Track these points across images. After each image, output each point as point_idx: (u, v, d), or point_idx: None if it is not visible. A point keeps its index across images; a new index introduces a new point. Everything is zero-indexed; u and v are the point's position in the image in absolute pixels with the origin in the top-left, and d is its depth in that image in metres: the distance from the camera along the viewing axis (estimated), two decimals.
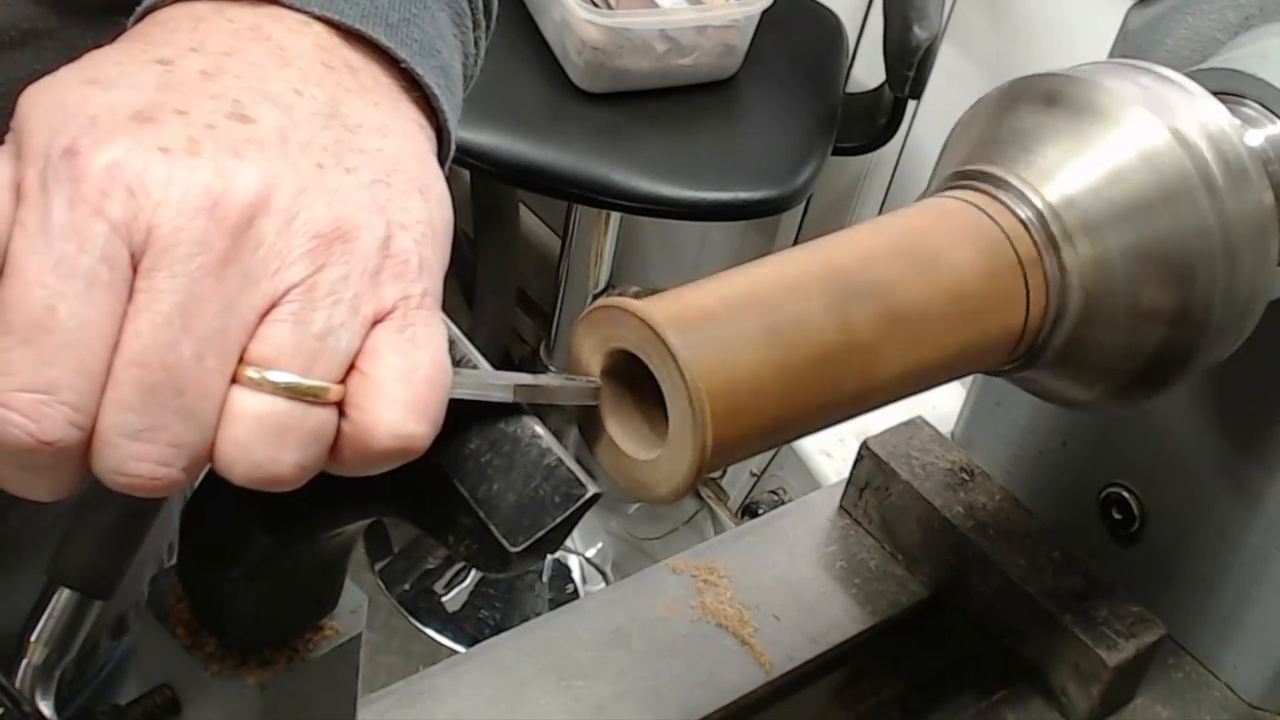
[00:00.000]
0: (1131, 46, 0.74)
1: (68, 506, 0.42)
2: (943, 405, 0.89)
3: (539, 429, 0.44)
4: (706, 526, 2.21)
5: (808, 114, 1.74)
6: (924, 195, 0.60)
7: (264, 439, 0.38)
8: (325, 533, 0.47)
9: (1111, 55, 0.75)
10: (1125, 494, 0.83)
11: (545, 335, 2.22)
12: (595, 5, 1.65)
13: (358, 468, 0.40)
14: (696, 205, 1.62)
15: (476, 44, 0.53)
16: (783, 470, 1.91)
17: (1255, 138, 0.63)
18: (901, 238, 0.55)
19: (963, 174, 0.58)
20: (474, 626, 2.08)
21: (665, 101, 1.70)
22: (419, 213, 0.41)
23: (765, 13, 1.68)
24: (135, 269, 0.37)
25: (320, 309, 0.38)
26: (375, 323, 0.39)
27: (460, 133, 0.48)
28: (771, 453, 1.91)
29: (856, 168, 2.00)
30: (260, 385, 0.38)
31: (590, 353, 0.48)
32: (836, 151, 1.75)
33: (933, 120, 1.85)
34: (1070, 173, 0.56)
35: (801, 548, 0.88)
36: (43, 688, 0.46)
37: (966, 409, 0.90)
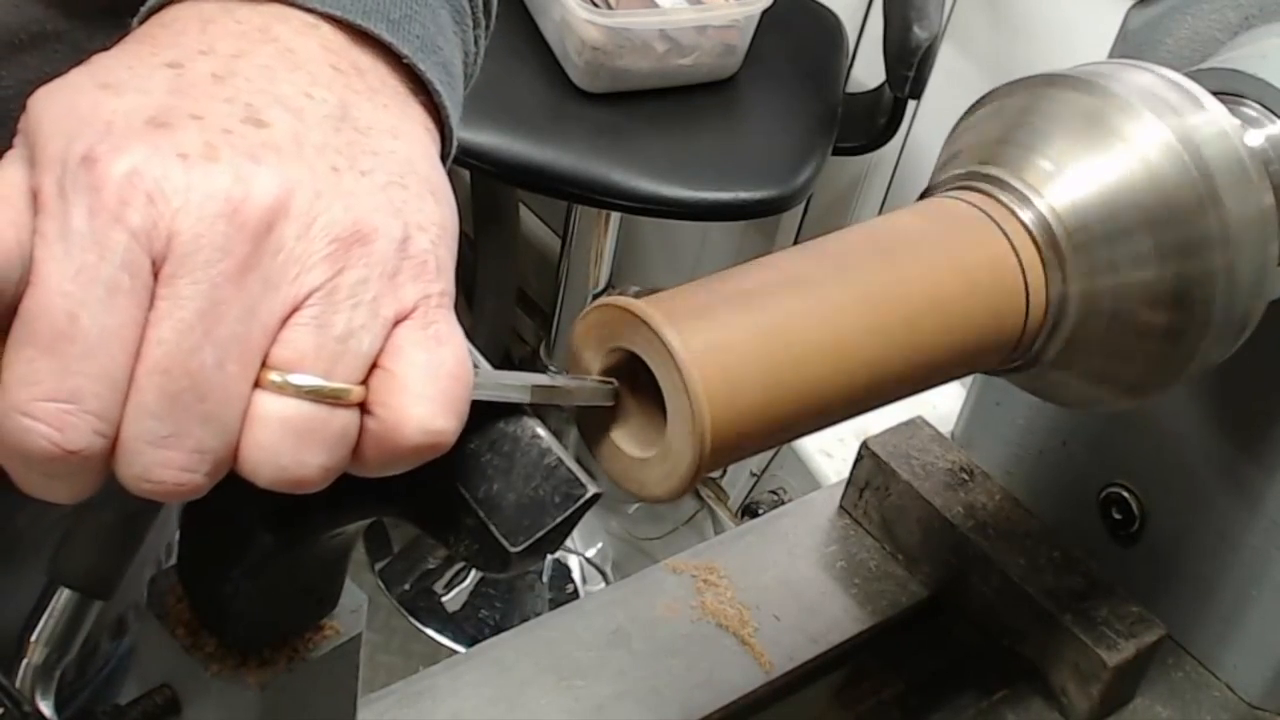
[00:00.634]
0: (1131, 46, 0.74)
1: (72, 508, 0.42)
2: (943, 405, 0.89)
3: (539, 429, 0.44)
4: (706, 526, 2.21)
5: (808, 114, 1.74)
6: (924, 195, 0.60)
7: (289, 442, 0.38)
8: (326, 533, 0.47)
9: (1111, 55, 0.75)
10: (1125, 494, 0.83)
11: (545, 335, 2.22)
12: (595, 5, 1.65)
13: (382, 467, 0.40)
14: (696, 205, 1.62)
15: (476, 42, 0.53)
16: (783, 470, 1.91)
17: (1255, 138, 0.63)
18: (901, 238, 0.55)
19: (963, 175, 0.58)
20: (474, 626, 2.08)
21: (665, 101, 1.70)
22: (433, 214, 0.41)
23: (765, 13, 1.68)
24: (156, 276, 0.37)
25: (341, 312, 0.38)
26: (396, 323, 0.39)
27: (460, 133, 0.48)
28: (771, 453, 1.91)
29: (856, 168, 1.99)
30: (283, 389, 0.38)
31: (590, 352, 0.48)
32: (836, 151, 1.74)
33: (933, 120, 1.85)
34: (1071, 174, 0.56)
35: (801, 548, 0.88)
36: (43, 688, 0.46)
37: (966, 409, 0.90)
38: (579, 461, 0.44)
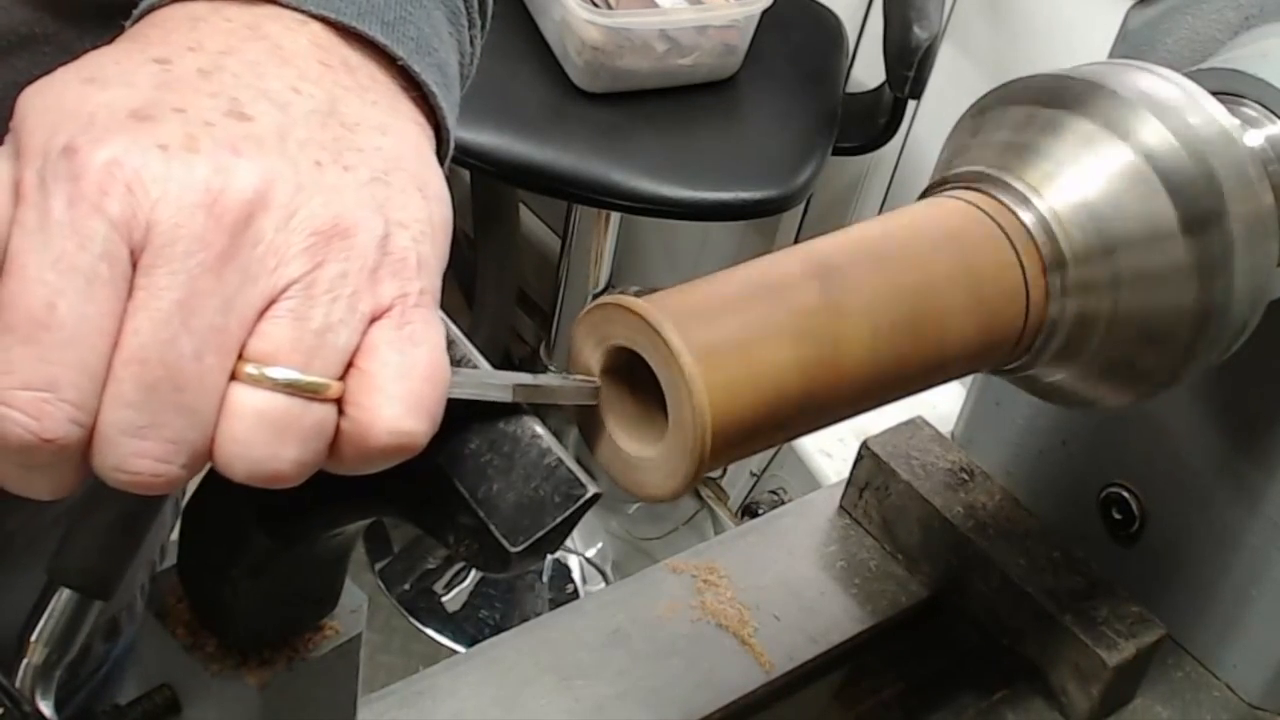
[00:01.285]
0: (1131, 46, 0.74)
1: (65, 508, 0.42)
2: (943, 405, 0.89)
3: (539, 429, 0.44)
4: (706, 526, 2.21)
5: (808, 114, 1.74)
6: (924, 195, 0.60)
7: (264, 435, 0.38)
8: (325, 533, 0.47)
9: (1111, 55, 0.75)
10: (1125, 494, 0.83)
11: (545, 335, 2.22)
12: (595, 5, 1.65)
13: (356, 465, 0.40)
14: (696, 205, 1.62)
15: (472, 43, 0.53)
16: (783, 470, 1.91)
17: (1255, 138, 0.63)
18: (901, 238, 0.55)
19: (964, 175, 0.58)
20: (474, 626, 2.08)
21: (665, 101, 1.70)
22: (418, 211, 0.41)
23: (765, 13, 1.68)
24: (135, 266, 0.37)
25: (319, 305, 0.38)
26: (373, 320, 0.39)
27: (460, 133, 0.48)
28: (771, 453, 1.91)
29: (856, 168, 2.00)
30: (259, 381, 0.38)
31: (590, 351, 0.48)
32: (836, 151, 1.74)
33: (933, 120, 1.85)
34: (1071, 174, 0.56)
35: (801, 548, 0.88)
36: (43, 688, 0.46)
37: (966, 409, 0.90)
38: (579, 461, 0.44)
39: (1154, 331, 0.58)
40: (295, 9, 0.43)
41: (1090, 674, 0.79)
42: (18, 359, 0.36)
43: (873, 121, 1.76)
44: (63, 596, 0.46)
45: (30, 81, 0.39)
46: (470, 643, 2.04)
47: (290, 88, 0.41)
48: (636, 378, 0.48)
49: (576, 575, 2.17)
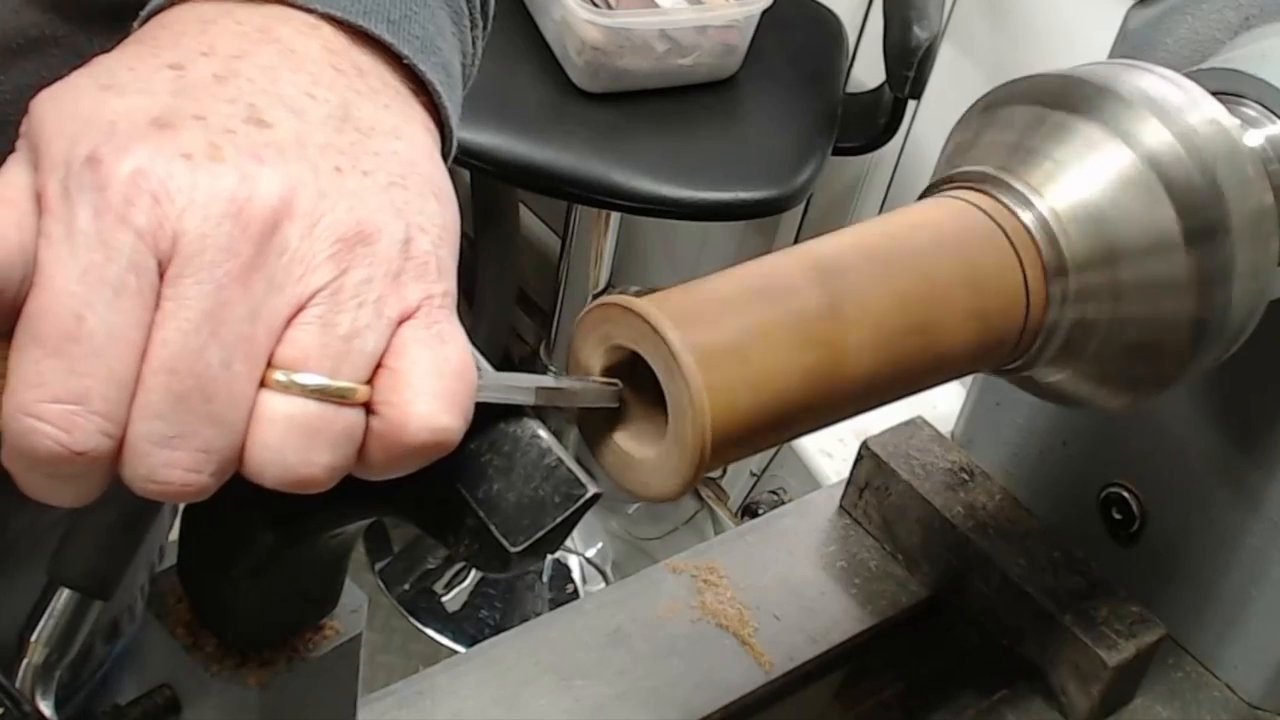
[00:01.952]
0: (1131, 46, 0.74)
1: (67, 510, 0.42)
2: (943, 405, 0.89)
3: (539, 429, 0.44)
4: (706, 526, 2.21)
5: (808, 114, 1.74)
6: (924, 195, 0.60)
7: (294, 442, 0.38)
8: (326, 532, 0.47)
9: (1111, 55, 0.75)
10: (1125, 494, 0.83)
11: (545, 335, 2.22)
12: (595, 5, 1.65)
13: (387, 468, 0.40)
14: (696, 205, 1.62)
15: (474, 43, 0.53)
16: (783, 470, 1.91)
17: (1255, 138, 0.63)
18: (902, 238, 0.55)
19: (964, 175, 0.58)
20: (474, 626, 2.08)
21: (665, 101, 1.70)
22: (435, 215, 0.41)
23: (765, 13, 1.68)
24: (162, 276, 0.37)
25: (345, 311, 0.38)
26: (400, 323, 0.39)
27: (460, 133, 0.48)
28: (771, 453, 1.91)
29: (856, 168, 1.99)
30: (289, 388, 0.38)
31: (591, 351, 0.48)
32: (836, 151, 1.74)
33: (933, 120, 1.85)
34: (1071, 174, 0.56)
35: (801, 548, 0.88)
36: (43, 688, 0.46)
37: (966, 409, 0.90)
38: (579, 461, 0.44)
39: (1153, 333, 0.58)
40: (303, 9, 0.43)
41: (1090, 674, 0.79)
42: (47, 371, 0.36)
43: (873, 121, 1.76)
44: (63, 596, 0.46)
45: (39, 84, 0.39)
46: (470, 643, 2.04)
47: (305, 93, 0.41)
48: (637, 378, 0.48)
49: (576, 575, 2.17)
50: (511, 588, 2.13)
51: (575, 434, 0.50)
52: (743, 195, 1.62)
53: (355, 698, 0.54)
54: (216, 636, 0.49)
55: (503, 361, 2.23)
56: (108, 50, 0.41)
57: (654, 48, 1.66)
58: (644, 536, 2.23)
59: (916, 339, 0.53)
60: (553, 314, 2.16)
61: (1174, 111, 0.57)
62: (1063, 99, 0.58)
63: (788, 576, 0.86)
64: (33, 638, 0.46)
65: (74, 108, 0.38)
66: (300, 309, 0.38)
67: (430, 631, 2.07)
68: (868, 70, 1.86)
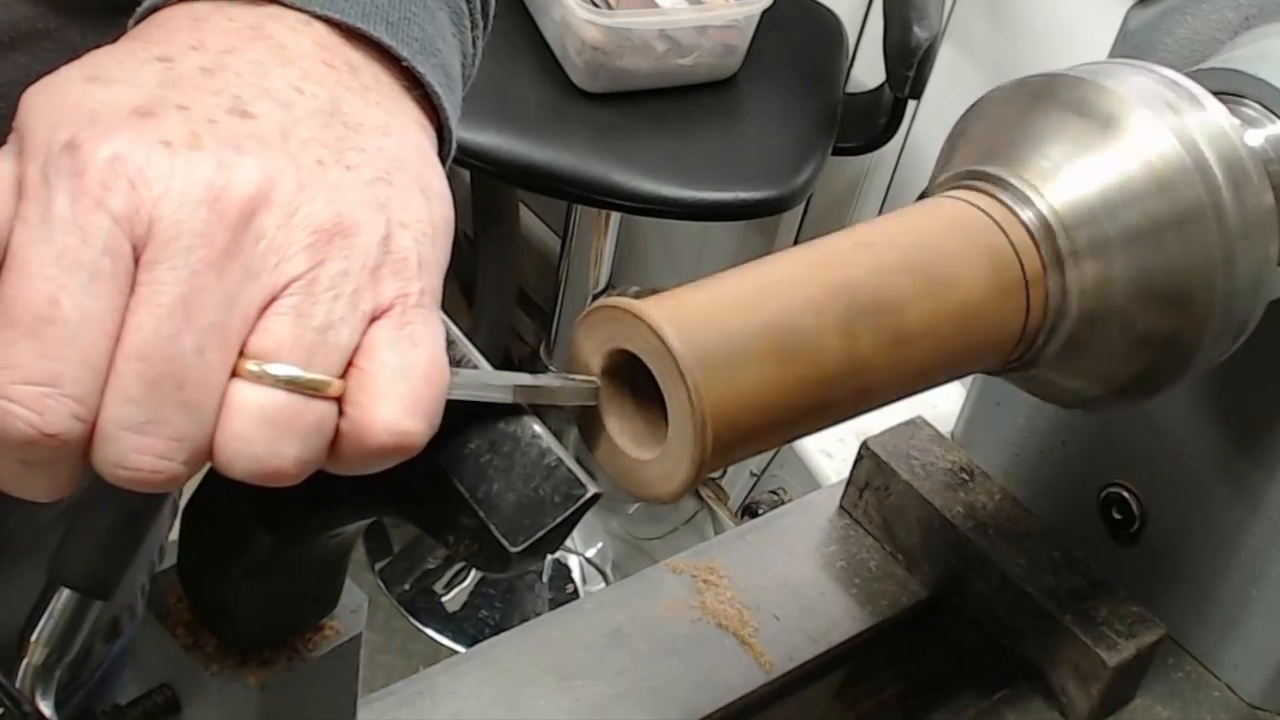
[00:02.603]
0: (1131, 46, 0.74)
1: (64, 508, 0.42)
2: (943, 405, 0.89)
3: (539, 429, 0.44)
4: (706, 526, 2.21)
5: (808, 114, 1.74)
6: (924, 195, 0.60)
7: (264, 432, 0.38)
8: (326, 532, 0.47)
9: (1111, 55, 0.75)
10: (1125, 494, 0.83)
11: (545, 335, 2.22)
12: (595, 5, 1.65)
13: (356, 465, 0.40)
14: (696, 205, 1.62)
15: (474, 44, 0.53)
16: (783, 470, 1.91)
17: (1255, 138, 0.63)
18: (902, 238, 0.55)
19: (964, 174, 0.58)
20: (474, 626, 2.08)
21: (665, 101, 1.70)
22: (420, 211, 0.41)
23: (765, 13, 1.68)
24: (137, 262, 0.37)
25: (320, 303, 0.38)
26: (374, 319, 0.39)
27: (460, 133, 0.48)
28: (771, 453, 1.91)
29: (856, 168, 1.99)
30: (261, 378, 0.38)
31: (590, 353, 0.48)
32: (836, 151, 1.74)
33: (933, 120, 1.85)
34: (1071, 173, 0.56)
35: (801, 548, 0.88)
36: (43, 687, 0.46)
37: (966, 409, 0.90)
38: (579, 461, 0.44)
39: (1153, 332, 0.58)
40: (299, 9, 0.43)
41: (1090, 674, 0.79)
42: (20, 354, 0.36)
43: (873, 121, 1.76)
44: (63, 596, 0.46)
45: (31, 78, 0.39)
46: (470, 643, 2.04)
47: (293, 87, 0.41)
48: (637, 379, 0.48)
49: (576, 575, 2.17)
50: (511, 588, 2.13)
51: (575, 434, 0.50)
52: (743, 195, 1.62)
53: (355, 698, 0.54)
54: (216, 636, 0.49)
55: (503, 361, 2.23)
56: (101, 44, 0.41)
57: (654, 48, 1.66)
58: (644, 536, 2.23)
59: (917, 341, 0.53)
60: (553, 314, 2.16)
61: (1174, 111, 0.57)
62: (1062, 98, 0.58)
63: (788, 576, 0.86)
64: (33, 637, 0.46)
65: (59, 98, 0.38)
66: (275, 298, 0.38)
67: (430, 631, 2.07)
68: (868, 70, 1.86)
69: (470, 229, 2.08)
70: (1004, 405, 0.87)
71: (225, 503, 0.47)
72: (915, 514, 0.86)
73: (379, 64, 0.44)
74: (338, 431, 0.39)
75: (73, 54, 0.40)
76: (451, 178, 0.44)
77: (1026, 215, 0.56)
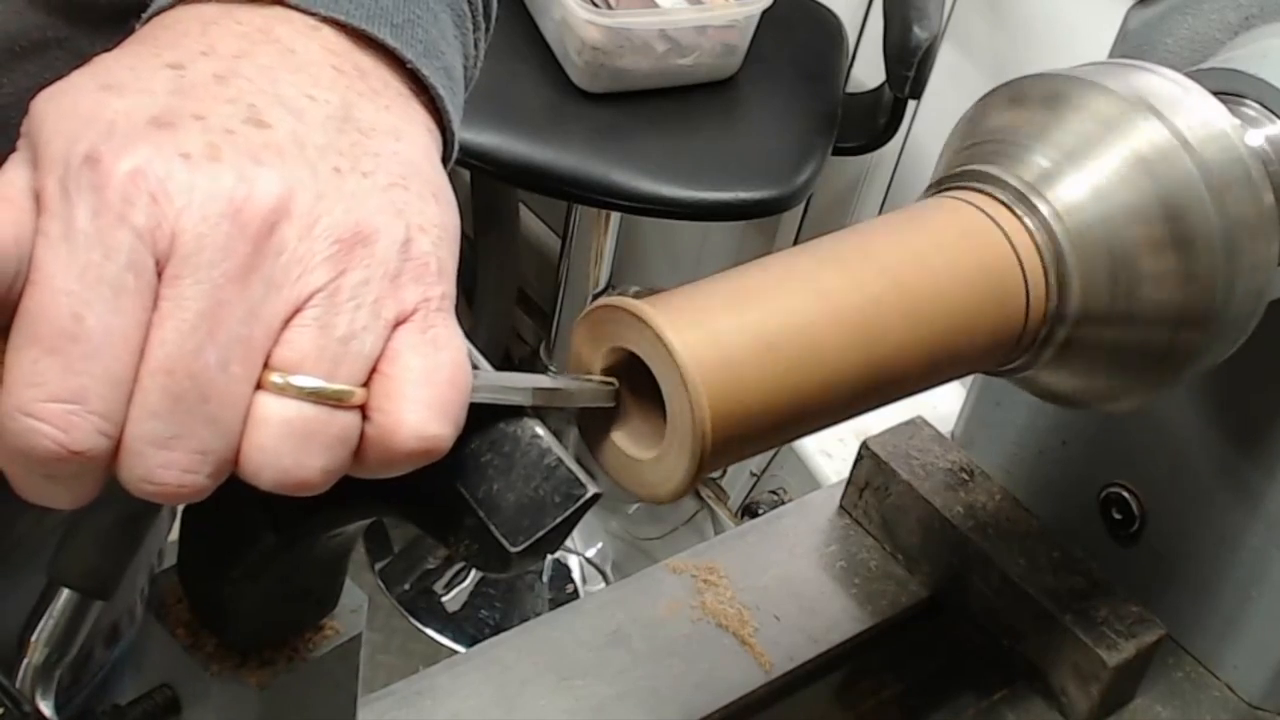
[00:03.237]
0: (1131, 46, 0.74)
1: (69, 513, 0.42)
2: (943, 405, 0.89)
3: (539, 429, 0.44)
4: (706, 526, 2.21)
5: (808, 114, 1.74)
6: (925, 194, 0.60)
7: (290, 444, 0.38)
8: (326, 533, 0.47)
9: (1111, 55, 0.75)
10: (1125, 494, 0.83)
11: (545, 335, 2.22)
12: (595, 5, 1.65)
13: (380, 470, 0.40)
14: (696, 205, 1.62)
15: (476, 45, 0.53)
16: (783, 470, 1.91)
17: (1255, 138, 0.63)
18: (902, 238, 0.55)
19: (964, 174, 0.58)
20: (474, 626, 2.08)
21: (665, 101, 1.70)
22: (435, 216, 0.41)
23: (765, 13, 1.68)
24: (160, 276, 0.37)
25: (343, 313, 0.38)
26: (396, 325, 0.39)
27: (461, 133, 0.48)
28: (771, 453, 1.91)
29: (856, 168, 1.99)
30: (285, 390, 0.38)
31: (590, 352, 0.48)
32: (836, 151, 1.74)
33: (933, 120, 1.85)
34: (1071, 174, 0.56)
35: (801, 548, 0.88)
36: (43, 688, 0.46)
37: (966, 409, 0.90)
38: (579, 461, 0.44)
39: (1154, 333, 0.58)
40: (306, 12, 0.43)
41: (1090, 674, 0.79)
42: (45, 370, 0.36)
43: (873, 121, 1.76)
44: (63, 597, 0.46)
45: (41, 87, 0.39)
46: (470, 643, 2.04)
47: (304, 94, 0.41)
48: (637, 379, 0.48)
49: (576, 575, 2.17)
50: (511, 588, 2.13)
51: (575, 434, 0.50)
52: (743, 195, 1.62)
53: (355, 698, 0.54)
54: (216, 636, 0.49)
55: (503, 361, 2.23)
56: (110, 50, 0.41)
57: (654, 48, 1.66)
58: (644, 536, 2.23)
59: (917, 342, 0.53)
60: (553, 314, 2.16)
61: (1174, 111, 0.57)
62: (1062, 99, 0.58)
63: (788, 576, 0.86)
64: (33, 638, 0.46)
65: (73, 107, 0.38)
66: (298, 310, 0.38)
67: (430, 631, 2.07)
68: (868, 70, 1.86)
69: (470, 229, 2.08)
70: (1004, 405, 0.87)
71: (226, 503, 0.47)
72: (915, 514, 0.86)
73: (386, 68, 0.44)
74: (363, 437, 0.39)
75: (82, 63, 0.40)
76: (452, 178, 0.44)
77: (1027, 216, 0.56)
